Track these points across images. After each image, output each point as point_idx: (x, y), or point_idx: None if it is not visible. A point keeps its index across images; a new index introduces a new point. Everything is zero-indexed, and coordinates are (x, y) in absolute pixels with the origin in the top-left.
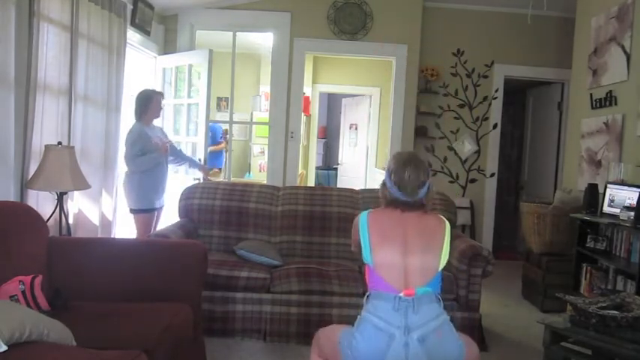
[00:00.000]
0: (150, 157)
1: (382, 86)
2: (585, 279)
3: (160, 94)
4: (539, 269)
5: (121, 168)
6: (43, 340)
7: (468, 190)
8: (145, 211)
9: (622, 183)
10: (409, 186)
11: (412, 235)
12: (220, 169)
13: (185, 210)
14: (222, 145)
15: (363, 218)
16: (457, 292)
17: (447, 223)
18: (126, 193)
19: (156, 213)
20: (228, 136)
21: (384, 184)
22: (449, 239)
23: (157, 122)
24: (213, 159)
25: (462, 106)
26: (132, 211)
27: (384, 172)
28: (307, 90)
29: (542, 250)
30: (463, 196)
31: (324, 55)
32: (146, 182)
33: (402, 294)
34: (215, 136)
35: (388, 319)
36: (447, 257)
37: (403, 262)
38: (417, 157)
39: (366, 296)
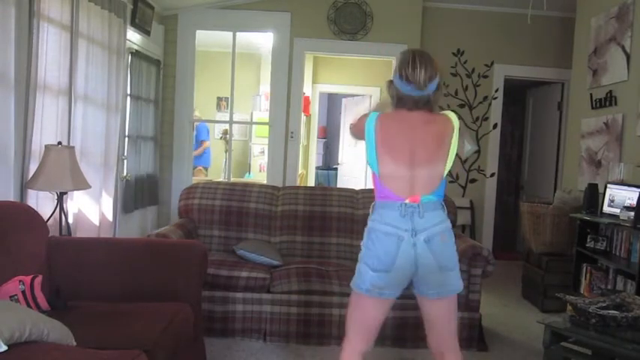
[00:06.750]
0: None
1: (382, 86)
2: (585, 279)
3: None
4: (539, 269)
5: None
6: (43, 340)
7: (468, 190)
8: None
9: (622, 183)
10: (420, 78)
11: (419, 144)
12: (205, 167)
13: (185, 210)
14: (206, 144)
15: (370, 122)
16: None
17: (455, 120)
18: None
19: None
20: (227, 136)
21: (390, 82)
22: (456, 141)
23: None
24: (197, 158)
25: (462, 106)
26: None
27: None
28: (307, 90)
29: (542, 250)
30: (463, 196)
31: (324, 55)
32: None
33: (407, 200)
34: (197, 136)
35: (396, 224)
36: (452, 161)
37: (410, 173)
38: (426, 52)
39: (372, 205)
